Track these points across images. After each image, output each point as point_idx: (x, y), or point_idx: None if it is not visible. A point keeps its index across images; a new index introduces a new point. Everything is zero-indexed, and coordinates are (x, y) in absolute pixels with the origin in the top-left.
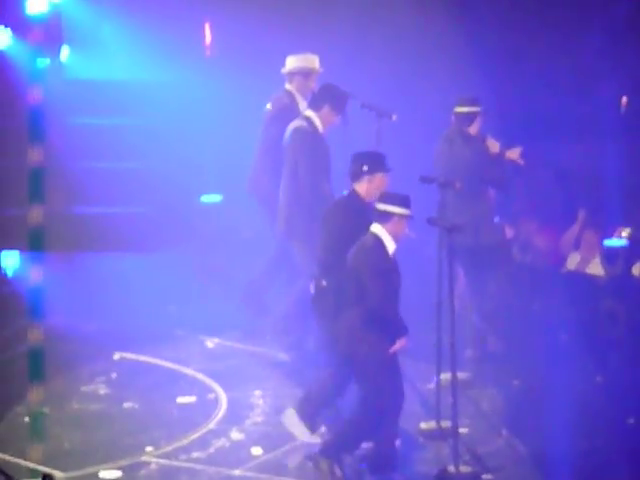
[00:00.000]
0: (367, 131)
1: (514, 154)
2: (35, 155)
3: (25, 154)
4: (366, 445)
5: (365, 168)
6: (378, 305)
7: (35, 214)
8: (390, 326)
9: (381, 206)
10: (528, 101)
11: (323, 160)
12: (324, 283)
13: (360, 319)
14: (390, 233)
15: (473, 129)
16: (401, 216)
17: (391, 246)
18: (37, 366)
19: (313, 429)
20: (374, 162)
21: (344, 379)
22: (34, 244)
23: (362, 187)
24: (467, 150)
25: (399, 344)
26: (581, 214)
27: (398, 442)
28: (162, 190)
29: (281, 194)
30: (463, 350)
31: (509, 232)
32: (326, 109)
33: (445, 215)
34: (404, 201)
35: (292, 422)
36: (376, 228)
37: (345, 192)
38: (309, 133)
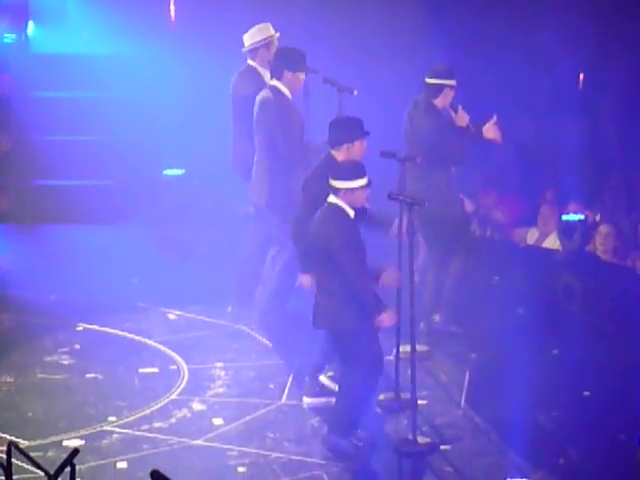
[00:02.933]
0: (329, 106)
1: (491, 132)
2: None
3: None
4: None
5: (343, 135)
6: (352, 276)
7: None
8: (367, 296)
9: (331, 181)
10: (486, 76)
11: (295, 126)
12: None
13: (337, 293)
14: (346, 203)
15: (440, 101)
16: (348, 189)
17: (350, 212)
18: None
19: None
20: (353, 128)
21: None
22: None
23: (341, 154)
24: (427, 122)
25: (383, 319)
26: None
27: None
28: (125, 163)
29: (255, 167)
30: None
31: (469, 206)
32: (288, 74)
33: (405, 190)
34: (352, 173)
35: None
36: (332, 198)
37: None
38: (276, 102)
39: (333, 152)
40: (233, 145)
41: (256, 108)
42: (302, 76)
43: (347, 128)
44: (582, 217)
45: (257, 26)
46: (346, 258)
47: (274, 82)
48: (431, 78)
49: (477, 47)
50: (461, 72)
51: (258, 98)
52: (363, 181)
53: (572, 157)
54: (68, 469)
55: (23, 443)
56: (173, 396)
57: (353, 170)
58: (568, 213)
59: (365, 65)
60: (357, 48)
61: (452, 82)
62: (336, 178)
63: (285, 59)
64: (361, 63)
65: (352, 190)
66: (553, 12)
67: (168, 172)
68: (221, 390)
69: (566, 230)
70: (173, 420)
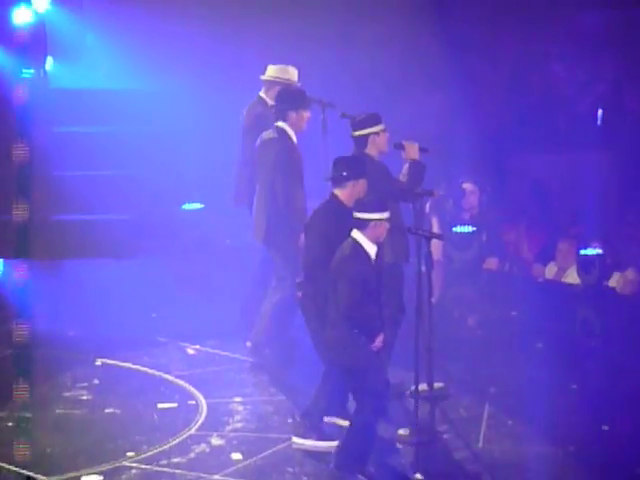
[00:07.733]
0: (347, 140)
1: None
2: (20, 158)
3: (9, 159)
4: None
5: (347, 174)
6: (348, 308)
7: (19, 220)
8: (366, 326)
9: (357, 214)
10: (504, 112)
11: (297, 168)
12: (309, 288)
13: (343, 325)
14: (369, 238)
15: (371, 150)
16: (378, 220)
17: (372, 250)
18: (22, 368)
19: (320, 437)
20: (357, 167)
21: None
22: (18, 250)
23: (344, 193)
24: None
25: (378, 341)
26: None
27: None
28: (144, 198)
29: (255, 204)
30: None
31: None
32: (292, 114)
33: (422, 224)
34: (379, 206)
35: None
36: (355, 234)
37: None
38: (280, 143)
39: (336, 190)
40: (237, 177)
41: (259, 145)
42: (306, 114)
43: (351, 166)
44: (600, 252)
45: (287, 65)
46: (349, 291)
47: (280, 123)
48: (354, 131)
49: (494, 82)
50: (478, 107)
51: (262, 137)
52: (386, 215)
53: (591, 193)
54: None
55: (42, 479)
56: (192, 431)
57: (380, 203)
58: (586, 248)
59: (383, 100)
60: (374, 83)
61: (376, 128)
62: (365, 210)
63: (287, 100)
64: (379, 98)
65: (380, 222)
66: (567, 45)
67: (187, 207)
68: (240, 425)
69: (584, 265)
70: (192, 455)
